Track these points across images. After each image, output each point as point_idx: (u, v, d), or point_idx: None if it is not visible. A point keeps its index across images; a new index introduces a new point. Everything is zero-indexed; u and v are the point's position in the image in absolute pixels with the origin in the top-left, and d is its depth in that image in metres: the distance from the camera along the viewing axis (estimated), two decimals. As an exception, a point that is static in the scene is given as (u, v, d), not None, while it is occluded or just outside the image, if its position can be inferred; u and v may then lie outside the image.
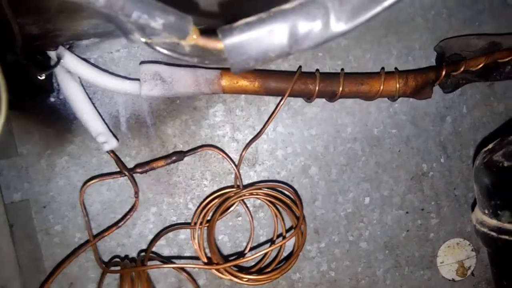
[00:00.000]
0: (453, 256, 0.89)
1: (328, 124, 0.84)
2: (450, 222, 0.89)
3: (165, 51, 0.30)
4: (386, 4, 0.27)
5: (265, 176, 0.82)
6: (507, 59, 0.77)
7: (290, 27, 0.28)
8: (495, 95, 0.88)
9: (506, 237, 0.55)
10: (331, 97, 0.76)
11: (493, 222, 0.58)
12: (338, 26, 0.28)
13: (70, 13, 0.47)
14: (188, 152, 0.75)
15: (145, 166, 0.72)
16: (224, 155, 0.77)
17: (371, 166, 0.86)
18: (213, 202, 0.75)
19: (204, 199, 0.78)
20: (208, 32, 0.29)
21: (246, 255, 0.78)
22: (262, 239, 0.83)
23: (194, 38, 0.28)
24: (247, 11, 0.30)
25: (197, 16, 0.29)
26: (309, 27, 0.28)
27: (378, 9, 0.27)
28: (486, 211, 0.62)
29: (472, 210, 0.74)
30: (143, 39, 0.29)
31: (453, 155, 0.88)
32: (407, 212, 0.87)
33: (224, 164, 0.80)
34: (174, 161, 0.74)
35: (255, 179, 0.82)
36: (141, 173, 0.73)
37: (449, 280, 0.90)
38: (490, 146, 0.65)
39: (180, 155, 0.74)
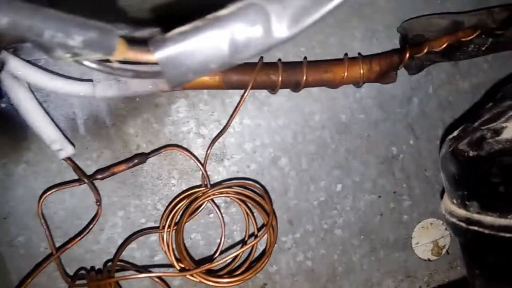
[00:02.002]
0: (428, 237, 0.90)
1: (295, 113, 0.82)
2: (422, 203, 0.89)
3: (95, 67, 0.27)
4: (330, 6, 0.25)
5: (234, 170, 0.80)
6: (470, 38, 0.77)
7: (229, 35, 0.26)
8: (460, 73, 0.87)
9: (475, 228, 0.54)
10: (295, 87, 0.74)
11: (462, 212, 0.58)
12: (280, 32, 0.26)
13: None
14: (150, 153, 0.72)
15: (106, 171, 0.69)
16: (189, 154, 0.75)
17: (341, 153, 0.84)
18: (181, 204, 0.73)
19: (172, 201, 0.75)
20: (140, 43, 0.27)
21: (216, 259, 0.76)
22: (236, 234, 0.82)
23: (122, 52, 0.25)
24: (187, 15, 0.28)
25: (131, 24, 0.26)
26: (250, 34, 0.26)
27: (322, 12, 0.25)
28: (455, 201, 0.61)
29: (441, 196, 0.74)
30: (67, 56, 0.26)
31: (421, 136, 0.87)
32: (379, 196, 0.87)
33: (191, 162, 0.78)
34: (136, 164, 0.71)
35: (224, 175, 0.80)
36: (101, 179, 0.70)
37: (425, 260, 0.91)
38: (455, 133, 0.64)
39: (143, 157, 0.71)
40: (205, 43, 0.26)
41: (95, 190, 0.71)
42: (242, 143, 0.81)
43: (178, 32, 0.26)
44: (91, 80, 0.66)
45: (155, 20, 0.47)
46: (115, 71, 0.27)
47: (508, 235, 0.50)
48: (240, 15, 0.25)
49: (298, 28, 0.26)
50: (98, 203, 0.71)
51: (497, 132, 0.52)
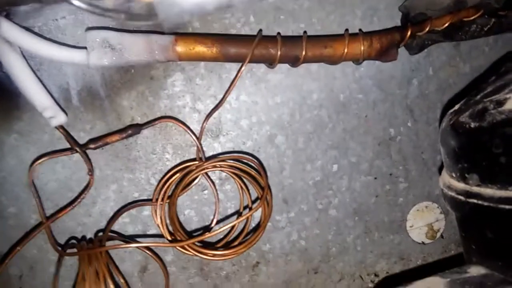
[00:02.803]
0: (422, 220, 0.89)
1: (293, 91, 0.81)
2: (418, 186, 0.88)
3: (85, 6, 0.25)
4: None
5: (230, 147, 0.79)
6: (472, 18, 0.75)
7: (227, -28, 0.24)
8: (461, 56, 0.86)
9: (474, 200, 0.53)
10: (294, 62, 0.72)
11: (461, 185, 0.57)
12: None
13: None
14: (145, 125, 0.71)
15: (99, 141, 0.68)
16: (184, 127, 0.73)
17: (338, 133, 0.83)
18: (174, 177, 0.72)
19: (165, 174, 0.74)
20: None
21: (212, 230, 0.76)
22: (230, 211, 0.81)
23: (115, -13, 0.24)
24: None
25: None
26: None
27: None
28: (454, 175, 0.60)
29: (440, 173, 0.73)
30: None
31: (420, 118, 0.86)
32: (375, 178, 0.86)
33: (186, 136, 0.76)
34: (130, 135, 0.69)
35: (219, 151, 0.79)
36: (94, 148, 0.69)
37: (419, 243, 0.90)
38: (456, 107, 0.63)
39: (137, 128, 0.70)
40: (201, -19, 0.25)
41: (88, 159, 0.70)
42: (238, 120, 0.79)
43: (173, -32, 0.24)
44: (85, 48, 0.65)
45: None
46: (108, 12, 0.25)
47: (507, 207, 0.49)
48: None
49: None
50: (90, 173, 0.70)
51: (500, 103, 0.51)
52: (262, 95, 0.80)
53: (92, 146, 0.68)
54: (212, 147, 0.79)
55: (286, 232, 0.84)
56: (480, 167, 0.53)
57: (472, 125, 0.54)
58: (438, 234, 0.91)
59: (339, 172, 0.84)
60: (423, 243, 0.90)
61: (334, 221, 0.86)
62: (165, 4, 0.24)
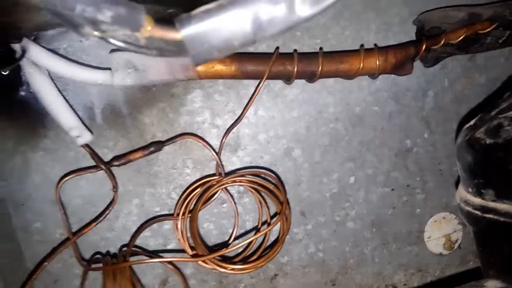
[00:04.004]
0: (440, 231, 0.89)
1: (310, 105, 0.82)
2: (435, 197, 0.89)
3: (121, 44, 0.27)
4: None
5: (248, 161, 0.81)
6: (487, 30, 0.76)
7: (253, 13, 0.26)
8: (476, 67, 0.87)
9: (490, 216, 0.54)
10: (311, 77, 0.74)
11: (477, 200, 0.58)
12: (303, 10, 0.26)
13: (24, 5, 0.44)
14: (166, 142, 0.73)
15: (122, 158, 0.70)
16: (204, 142, 0.75)
17: (355, 145, 0.84)
18: (195, 192, 0.74)
19: (186, 189, 0.76)
20: (166, 21, 0.27)
21: (230, 245, 0.77)
22: (249, 224, 0.82)
23: (149, 30, 0.26)
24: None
25: (154, 3, 0.27)
26: (273, 12, 0.26)
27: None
28: (470, 190, 0.61)
29: (456, 186, 0.73)
30: (95, 33, 0.27)
31: (436, 129, 0.87)
32: (392, 189, 0.87)
33: (205, 151, 0.78)
34: (152, 152, 0.72)
35: (238, 165, 0.81)
36: (118, 166, 0.71)
37: (437, 254, 0.90)
38: (471, 122, 0.64)
39: (158, 145, 0.72)
40: (229, 21, 0.26)
41: (112, 176, 0.72)
42: (256, 134, 0.81)
43: (203, 10, 0.26)
44: (109, 69, 0.67)
45: (178, 2, 0.48)
46: (141, 49, 0.27)
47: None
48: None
49: (320, 7, 0.26)
50: (114, 190, 0.72)
51: (514, 121, 0.52)
52: (279, 109, 0.81)
53: (116, 163, 0.70)
54: (230, 161, 0.80)
55: (304, 244, 0.85)
56: (495, 183, 0.54)
57: (488, 141, 0.54)
58: (456, 245, 0.91)
59: (356, 184, 0.85)
60: (441, 254, 0.90)
61: (351, 233, 0.87)
62: (195, 42, 0.26)
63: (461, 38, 0.74)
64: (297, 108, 0.82)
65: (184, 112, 0.78)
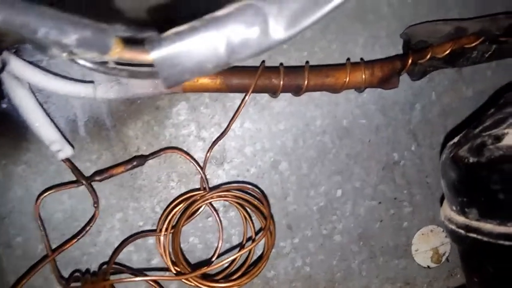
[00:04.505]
0: (428, 244, 0.89)
1: (297, 118, 0.81)
2: (423, 210, 0.88)
3: (90, 66, 0.27)
4: (327, 8, 0.24)
5: (234, 174, 0.80)
6: (473, 44, 0.76)
7: (226, 35, 0.25)
8: (463, 80, 0.87)
9: (474, 235, 0.53)
10: (297, 91, 0.73)
11: (461, 219, 0.57)
12: (278, 33, 0.26)
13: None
14: (149, 156, 0.72)
15: (104, 173, 0.69)
16: (188, 157, 0.74)
17: (342, 158, 0.84)
18: (178, 207, 0.73)
19: (169, 204, 0.75)
20: (137, 43, 0.26)
21: (214, 262, 0.76)
22: (235, 238, 0.81)
23: (117, 52, 0.25)
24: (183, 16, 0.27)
25: (126, 24, 0.26)
26: (247, 34, 0.25)
27: (319, 14, 0.25)
28: (454, 208, 0.60)
29: (441, 203, 0.73)
30: (63, 54, 0.26)
31: (423, 142, 0.87)
32: (379, 203, 0.86)
33: (191, 165, 0.77)
34: (135, 166, 0.70)
35: (224, 178, 0.80)
36: (99, 181, 0.70)
37: (425, 267, 0.90)
38: (455, 139, 0.64)
39: (141, 159, 0.71)
40: (201, 43, 0.25)
41: (93, 191, 0.71)
42: (242, 147, 0.80)
43: (174, 32, 0.25)
44: (92, 82, 0.66)
45: (152, 22, 0.47)
46: (110, 71, 0.26)
47: (507, 243, 0.49)
48: (237, 16, 0.25)
49: (295, 30, 0.25)
50: (95, 205, 0.71)
51: (498, 138, 0.52)
52: (266, 122, 0.81)
53: (97, 178, 0.69)
54: (216, 175, 0.79)
55: (291, 258, 0.84)
56: (479, 202, 0.54)
57: (471, 160, 0.54)
58: (444, 258, 0.90)
59: (343, 197, 0.85)
60: (428, 267, 0.90)
61: (338, 246, 0.86)
62: (166, 64, 0.25)
63: (447, 52, 0.74)
64: (284, 120, 0.81)
65: (169, 125, 0.77)
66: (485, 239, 0.52)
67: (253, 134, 0.80)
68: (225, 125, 0.78)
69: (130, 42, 0.26)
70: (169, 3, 0.47)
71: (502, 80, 0.87)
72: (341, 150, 0.84)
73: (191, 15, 0.27)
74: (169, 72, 0.26)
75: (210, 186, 0.78)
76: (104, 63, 0.26)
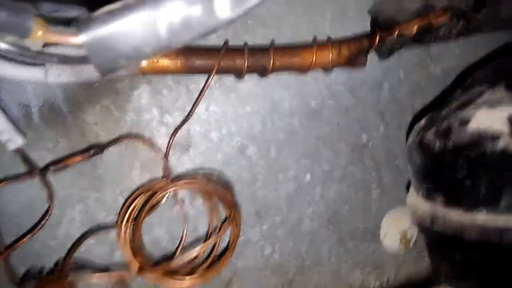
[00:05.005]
0: (396, 227, 0.89)
1: (264, 99, 0.79)
2: (391, 192, 0.88)
3: (10, 49, 0.23)
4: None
5: (200, 160, 0.77)
6: (441, 21, 0.74)
7: (165, 15, 0.22)
8: (431, 58, 0.86)
9: (440, 223, 0.52)
10: (262, 72, 0.70)
11: (427, 207, 0.56)
12: (223, 12, 0.23)
13: None
14: (107, 144, 0.68)
15: (59, 164, 0.65)
16: (150, 144, 0.71)
17: (311, 141, 0.82)
18: (139, 198, 0.69)
19: (129, 196, 0.72)
20: (64, 24, 0.23)
21: (177, 257, 0.73)
22: (202, 227, 0.78)
23: (40, 35, 0.22)
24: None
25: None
26: (189, 14, 0.22)
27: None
28: (420, 194, 0.59)
29: (407, 189, 0.72)
30: (-24, 38, 0.22)
31: (392, 123, 0.86)
32: (348, 186, 0.85)
33: (154, 151, 0.74)
34: (92, 156, 0.67)
35: (189, 165, 0.77)
36: (54, 172, 0.66)
37: (393, 251, 0.90)
38: (422, 122, 0.62)
39: (99, 148, 0.67)
40: (137, 24, 0.22)
41: (47, 184, 0.67)
42: (208, 132, 0.77)
43: (106, 11, 0.22)
44: (43, 65, 0.61)
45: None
46: (35, 56, 0.23)
47: (473, 231, 0.48)
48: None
49: (242, 8, 0.22)
50: (50, 198, 0.67)
51: (464, 121, 0.50)
52: (232, 104, 0.78)
53: (52, 169, 0.65)
54: (181, 161, 0.76)
55: (260, 246, 0.82)
56: (445, 189, 0.52)
57: (437, 144, 0.53)
58: (412, 241, 0.91)
59: (312, 181, 0.83)
60: (397, 251, 0.90)
61: (308, 232, 0.84)
62: (98, 48, 0.22)
63: (414, 29, 0.73)
64: (251, 102, 0.78)
65: (130, 109, 0.73)
66: (452, 226, 0.51)
67: (219, 117, 0.77)
68: (189, 109, 0.74)
69: (55, 23, 0.22)
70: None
71: (470, 58, 0.87)
72: (310, 132, 0.82)
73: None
74: (101, 57, 0.23)
75: (175, 173, 0.75)
76: (27, 46, 0.23)
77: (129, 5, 0.22)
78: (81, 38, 0.22)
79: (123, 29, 0.22)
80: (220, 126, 0.77)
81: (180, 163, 0.76)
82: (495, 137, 0.46)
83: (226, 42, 0.69)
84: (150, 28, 0.23)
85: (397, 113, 0.85)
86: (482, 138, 0.47)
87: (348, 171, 0.85)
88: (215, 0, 0.22)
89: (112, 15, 0.22)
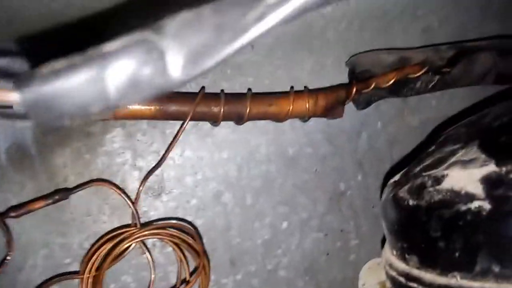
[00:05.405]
0: (375, 277, 0.86)
1: (241, 146, 0.78)
2: (370, 242, 0.86)
3: None
4: (235, 47, 0.21)
5: (173, 206, 0.75)
6: (417, 75, 0.75)
7: (114, 74, 0.21)
8: (409, 109, 0.86)
9: (415, 285, 0.51)
10: (238, 120, 0.70)
11: (401, 266, 0.54)
12: (176, 73, 0.22)
13: None
14: (74, 189, 0.66)
15: (21, 209, 0.62)
16: (118, 190, 0.69)
17: (288, 188, 0.81)
18: (104, 246, 0.66)
19: (94, 243, 0.69)
20: (7, 75, 0.22)
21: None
22: (172, 276, 0.75)
23: (-26, 91, 0.20)
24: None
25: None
26: (140, 74, 0.21)
27: (224, 53, 0.21)
28: (395, 252, 0.58)
29: (382, 244, 0.71)
30: None
31: (370, 172, 0.85)
32: (326, 235, 0.83)
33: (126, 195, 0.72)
34: (57, 201, 0.64)
35: (161, 210, 0.74)
36: (15, 217, 0.63)
37: (372, 300, 0.87)
38: (396, 177, 0.62)
39: (65, 193, 0.65)
40: (83, 84, 0.21)
41: (6, 230, 0.63)
42: (182, 177, 0.75)
43: (50, 69, 0.21)
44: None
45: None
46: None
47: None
48: (128, 52, 0.21)
49: (196, 70, 0.22)
50: (7, 244, 0.63)
51: (438, 180, 0.50)
52: (208, 150, 0.76)
53: (13, 214, 0.62)
54: (153, 207, 0.74)
55: (233, 295, 0.79)
56: (419, 249, 0.51)
57: (411, 202, 0.52)
58: (391, 292, 0.88)
59: (289, 229, 0.81)
60: (376, 301, 0.87)
61: (284, 281, 0.82)
62: (39, 107, 0.21)
63: (391, 82, 0.73)
64: (227, 148, 0.77)
65: (102, 152, 0.71)
66: (426, 291, 0.49)
67: (194, 163, 0.76)
68: (167, 153, 0.73)
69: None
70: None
71: (446, 110, 0.88)
72: (287, 179, 0.80)
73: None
74: (43, 116, 0.21)
75: (147, 219, 0.73)
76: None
77: (75, 64, 0.21)
78: (20, 97, 0.21)
79: (67, 88, 0.21)
80: (195, 171, 0.76)
81: (152, 209, 0.74)
82: (468, 199, 0.45)
83: (202, 89, 0.68)
84: (97, 88, 0.21)
85: (375, 162, 0.85)
86: (455, 199, 0.47)
87: (325, 220, 0.83)
88: (168, 61, 0.21)
89: (56, 73, 0.21)
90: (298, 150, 0.80)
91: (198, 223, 0.76)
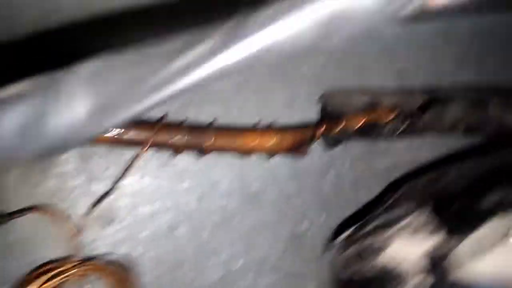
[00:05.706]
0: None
1: (202, 177, 0.75)
2: (328, 287, 0.83)
3: None
4: (152, 101, 0.18)
5: (121, 237, 0.71)
6: (387, 119, 0.75)
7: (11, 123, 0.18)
8: (377, 152, 0.84)
9: None
10: (201, 151, 0.67)
11: None
12: (86, 121, 0.19)
13: None
14: (12, 214, 0.62)
15: (-49, 232, 0.58)
16: (63, 217, 0.65)
17: (248, 225, 0.78)
18: (41, 278, 0.62)
19: (30, 273, 0.64)
20: None
21: None
22: (116, 310, 0.71)
23: None
24: None
25: None
26: (39, 124, 0.19)
27: (143, 106, 0.18)
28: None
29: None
30: None
31: (333, 213, 0.82)
32: (283, 276, 0.80)
33: (71, 222, 0.67)
34: (-8, 225, 0.60)
35: (110, 240, 0.70)
36: None
37: None
38: (347, 232, 0.59)
39: (2, 218, 0.60)
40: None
41: None
42: (137, 205, 0.72)
43: None
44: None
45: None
46: None
47: None
48: (24, 99, 0.18)
49: (108, 121, 0.19)
50: None
51: (377, 251, 0.47)
52: (169, 178, 0.73)
53: None
54: (101, 236, 0.70)
55: (180, 338, 0.75)
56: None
57: (351, 269, 0.49)
58: None
59: (244, 268, 0.78)
60: None
61: (235, 325, 0.78)
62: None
63: (360, 124, 0.72)
64: (188, 179, 0.74)
65: (54, 174, 0.68)
66: None
67: (151, 191, 0.72)
68: (121, 179, 0.69)
69: None
70: None
71: (414, 156, 0.86)
72: (247, 216, 0.77)
73: None
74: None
75: (93, 250, 0.68)
76: None
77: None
78: None
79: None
80: (150, 200, 0.72)
81: (100, 239, 0.70)
82: (404, 279, 0.43)
83: (164, 116, 0.66)
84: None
85: (339, 204, 0.83)
86: (389, 278, 0.44)
87: (284, 260, 0.80)
88: (76, 112, 0.19)
89: None
90: (262, 186, 0.78)
91: (147, 256, 0.72)
